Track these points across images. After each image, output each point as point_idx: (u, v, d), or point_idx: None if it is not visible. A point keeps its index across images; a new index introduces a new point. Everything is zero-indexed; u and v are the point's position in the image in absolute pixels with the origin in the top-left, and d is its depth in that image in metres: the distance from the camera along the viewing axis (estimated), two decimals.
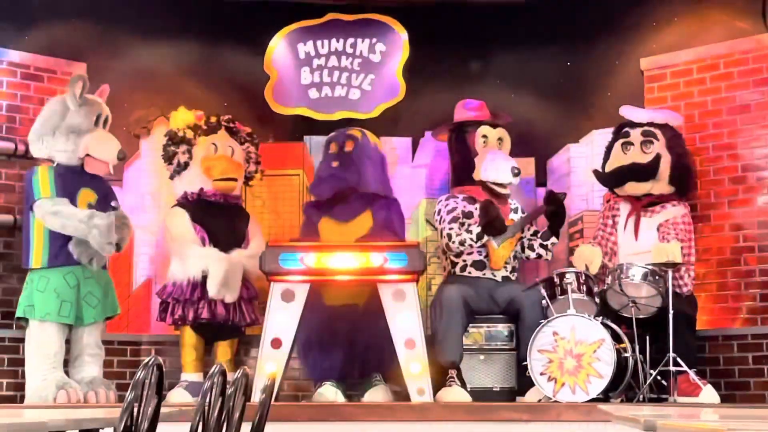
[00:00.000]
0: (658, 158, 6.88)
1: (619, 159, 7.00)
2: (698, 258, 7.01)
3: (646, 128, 6.98)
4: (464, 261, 6.97)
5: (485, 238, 6.81)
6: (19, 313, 6.56)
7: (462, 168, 7.17)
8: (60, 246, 6.53)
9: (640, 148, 6.94)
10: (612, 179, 7.02)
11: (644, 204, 6.92)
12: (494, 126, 7.15)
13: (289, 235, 7.44)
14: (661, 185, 6.91)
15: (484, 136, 7.11)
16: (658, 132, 6.96)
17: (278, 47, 7.67)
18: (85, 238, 6.43)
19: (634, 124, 7.03)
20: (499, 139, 7.15)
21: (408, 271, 6.40)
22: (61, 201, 6.51)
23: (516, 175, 6.98)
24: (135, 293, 7.49)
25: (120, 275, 7.31)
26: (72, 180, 6.63)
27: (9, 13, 7.15)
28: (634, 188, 6.94)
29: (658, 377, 6.40)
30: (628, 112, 7.09)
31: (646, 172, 6.88)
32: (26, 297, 6.54)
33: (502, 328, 6.92)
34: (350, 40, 7.69)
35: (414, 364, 6.33)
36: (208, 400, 3.22)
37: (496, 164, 7.00)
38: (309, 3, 7.53)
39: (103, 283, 6.71)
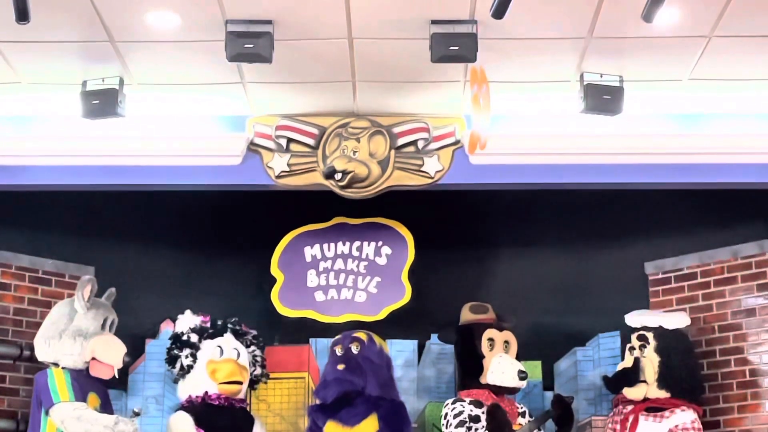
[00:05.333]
0: (636, 362, 6.95)
1: (623, 364, 7.10)
2: None
3: (640, 332, 7.07)
4: None
5: None
6: None
7: (469, 371, 7.14)
8: None
9: (638, 352, 7.01)
10: (609, 385, 7.12)
11: (644, 408, 6.91)
12: (500, 329, 7.16)
13: None
14: (652, 389, 6.92)
15: (491, 339, 7.11)
16: (650, 335, 7.02)
17: (285, 250, 7.74)
18: None
19: (634, 329, 7.12)
20: (506, 342, 7.15)
21: None
22: (81, 405, 6.51)
23: (523, 378, 6.99)
24: None
25: None
26: (82, 384, 6.63)
27: (18, 219, 7.26)
28: (630, 393, 6.97)
29: None
30: (630, 317, 7.17)
31: (627, 377, 6.97)
32: None
33: None
34: (356, 243, 7.76)
35: None
36: None
37: (503, 368, 7.00)
38: (316, 206, 7.65)
39: None
